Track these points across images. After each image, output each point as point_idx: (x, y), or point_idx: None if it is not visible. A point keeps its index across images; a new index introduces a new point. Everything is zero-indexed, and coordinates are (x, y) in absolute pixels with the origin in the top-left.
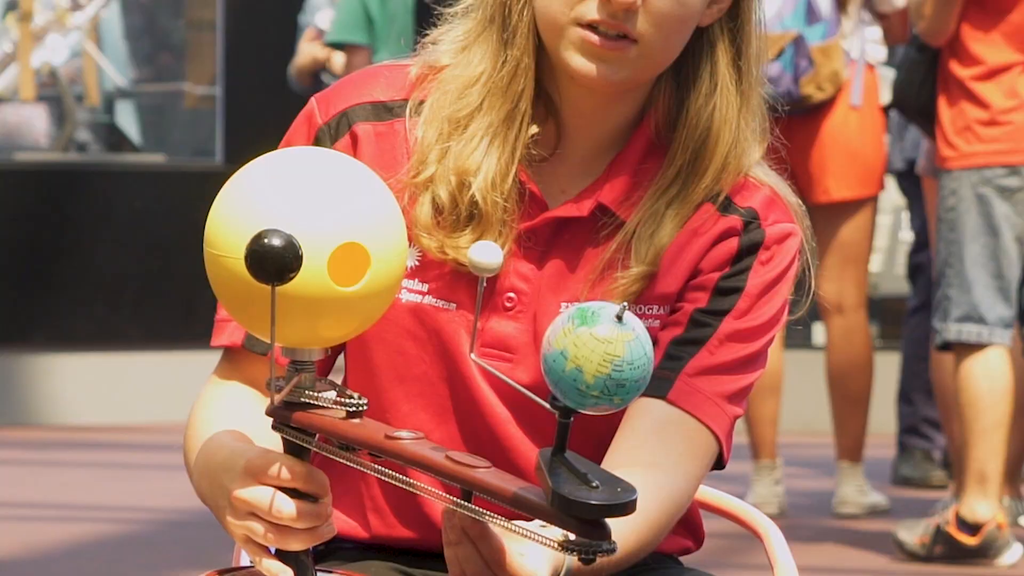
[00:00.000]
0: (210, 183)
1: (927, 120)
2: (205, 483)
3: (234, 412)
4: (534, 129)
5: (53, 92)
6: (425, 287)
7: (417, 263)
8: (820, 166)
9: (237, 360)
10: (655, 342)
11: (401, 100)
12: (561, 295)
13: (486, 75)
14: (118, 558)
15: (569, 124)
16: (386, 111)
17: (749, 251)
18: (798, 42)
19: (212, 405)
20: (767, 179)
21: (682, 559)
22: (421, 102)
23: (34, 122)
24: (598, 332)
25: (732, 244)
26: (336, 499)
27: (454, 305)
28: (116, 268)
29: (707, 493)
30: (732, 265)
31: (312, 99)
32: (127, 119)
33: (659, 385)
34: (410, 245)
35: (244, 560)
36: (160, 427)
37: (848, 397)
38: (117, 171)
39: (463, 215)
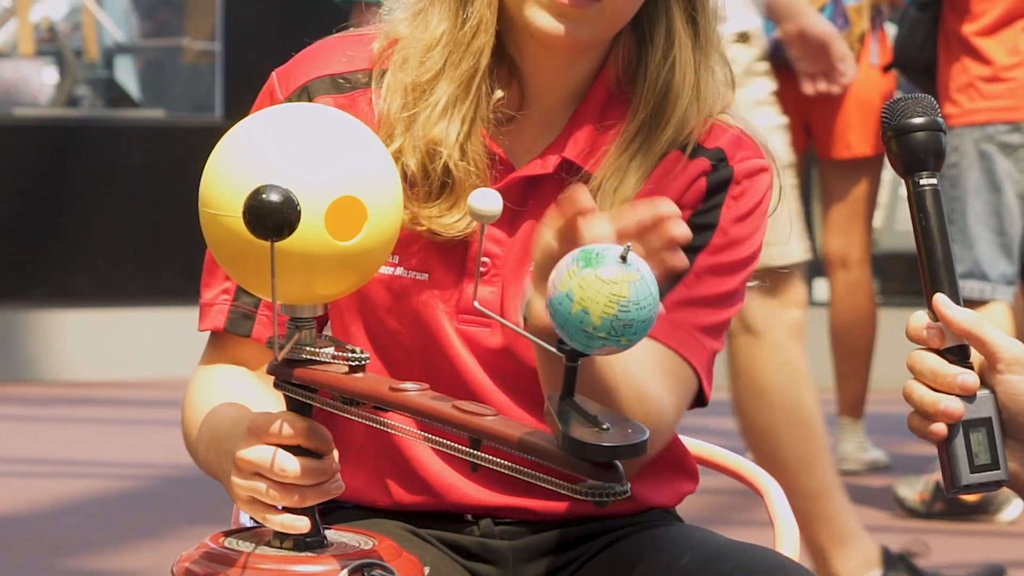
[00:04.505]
0: (210, 138)
1: (929, 79)
2: (212, 454)
3: (230, 391)
4: (499, 93)
5: (52, 47)
6: (396, 259)
7: None
8: (844, 123)
9: (223, 344)
10: None
11: (362, 71)
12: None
13: (446, 35)
14: (117, 514)
15: (532, 84)
16: (346, 83)
17: (719, 188)
18: (836, 1)
19: (206, 388)
20: (735, 123)
21: (683, 511)
22: (384, 72)
23: (33, 77)
24: (603, 273)
25: (701, 184)
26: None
27: (427, 275)
28: (116, 223)
29: (707, 449)
30: (704, 203)
31: (273, 74)
32: (127, 74)
33: None
34: None
35: (244, 518)
36: (160, 383)
37: (851, 352)
38: (117, 126)
39: (435, 184)
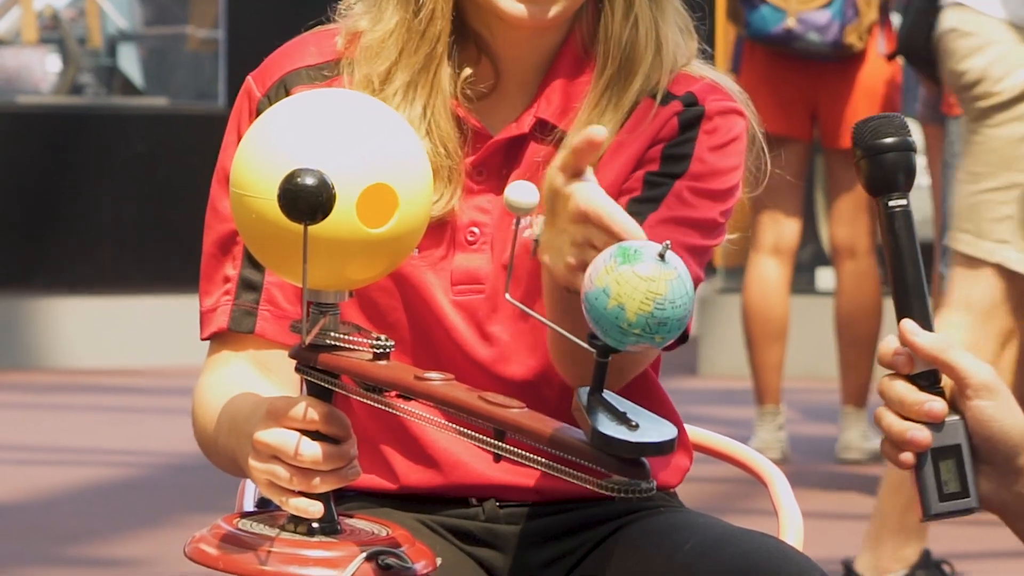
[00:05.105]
0: (212, 127)
1: (933, 68)
2: (233, 439)
3: (240, 386)
4: (467, 71)
5: (55, 35)
6: None
7: None
8: (854, 112)
9: (227, 344)
10: None
11: (333, 61)
12: None
13: (401, 24)
14: (118, 502)
15: (502, 58)
16: (321, 74)
17: (691, 124)
18: None
19: (216, 387)
20: (706, 73)
21: (687, 499)
22: (351, 62)
23: (36, 65)
24: (640, 270)
25: (673, 123)
26: None
27: (415, 251)
28: (118, 211)
29: (713, 438)
30: (677, 136)
31: (248, 77)
32: (130, 62)
33: None
34: None
35: (248, 504)
36: (161, 371)
37: (856, 342)
38: (120, 114)
39: None
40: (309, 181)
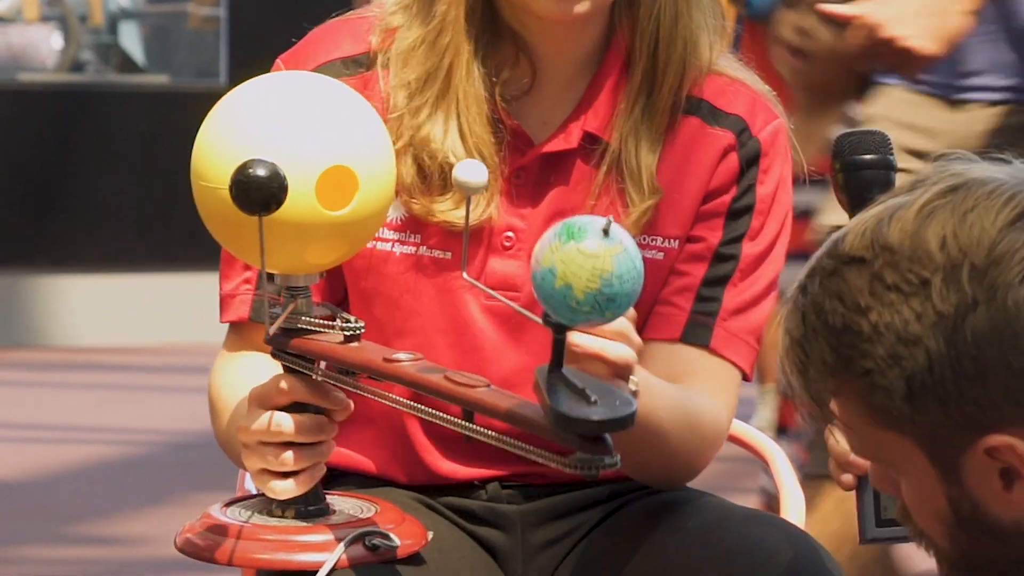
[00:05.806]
0: (214, 105)
1: None
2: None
3: (256, 380)
4: (505, 74)
5: (57, 12)
6: (418, 238)
7: (406, 215)
8: None
9: (246, 333)
10: (671, 271)
11: (369, 52)
12: None
13: (421, 36)
14: (120, 481)
15: (541, 54)
16: (356, 65)
17: (750, 164)
18: None
19: (233, 380)
20: (737, 74)
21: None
22: (387, 59)
23: (38, 43)
24: (585, 247)
25: (732, 162)
26: (341, 436)
27: (449, 254)
28: (120, 189)
29: None
30: (738, 183)
31: (278, 61)
32: (131, 40)
33: (700, 333)
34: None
35: (249, 485)
36: (163, 349)
37: None
38: (121, 92)
39: (436, 181)
40: (260, 172)
